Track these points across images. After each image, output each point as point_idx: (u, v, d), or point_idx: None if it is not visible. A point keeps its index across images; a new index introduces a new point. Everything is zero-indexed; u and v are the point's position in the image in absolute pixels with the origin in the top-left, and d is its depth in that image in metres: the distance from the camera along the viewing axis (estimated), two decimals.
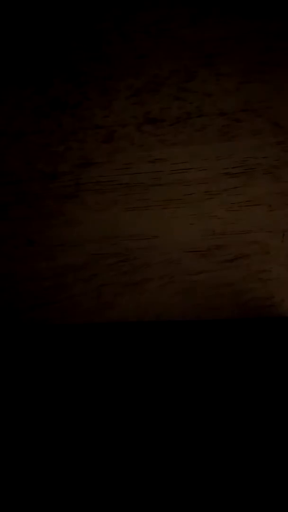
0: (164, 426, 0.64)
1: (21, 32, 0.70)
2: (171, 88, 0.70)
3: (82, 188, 0.73)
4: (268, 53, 0.68)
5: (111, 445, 0.63)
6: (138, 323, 0.75)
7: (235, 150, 0.71)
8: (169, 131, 0.71)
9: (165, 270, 0.74)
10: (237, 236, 0.73)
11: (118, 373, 0.70)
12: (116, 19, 0.69)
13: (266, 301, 0.74)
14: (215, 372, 0.69)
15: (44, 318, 0.77)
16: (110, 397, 0.68)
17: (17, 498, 0.60)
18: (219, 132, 0.70)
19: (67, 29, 0.70)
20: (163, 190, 0.72)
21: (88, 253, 0.75)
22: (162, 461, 0.61)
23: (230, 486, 0.59)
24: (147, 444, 0.63)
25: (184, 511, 0.58)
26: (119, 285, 0.75)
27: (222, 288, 0.74)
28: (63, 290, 0.76)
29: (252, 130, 0.70)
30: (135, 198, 0.73)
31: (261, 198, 0.72)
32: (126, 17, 0.69)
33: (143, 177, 0.72)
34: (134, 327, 0.74)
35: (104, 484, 0.60)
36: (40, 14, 0.70)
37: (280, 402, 0.65)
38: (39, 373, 0.71)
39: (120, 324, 0.75)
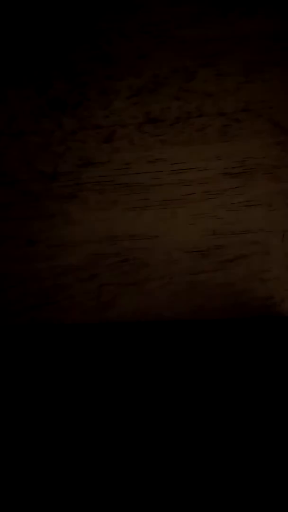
0: (165, 425, 0.64)
1: (21, 32, 0.70)
2: (171, 88, 0.70)
3: (82, 188, 0.73)
4: (268, 53, 0.68)
5: (111, 445, 0.63)
6: (138, 323, 0.75)
7: (235, 150, 0.71)
8: (169, 131, 0.71)
9: (165, 270, 0.74)
10: (237, 236, 0.73)
11: (118, 373, 0.70)
12: (116, 19, 0.69)
13: (266, 301, 0.74)
14: (215, 372, 0.69)
15: (44, 318, 0.77)
16: (110, 397, 0.68)
17: (17, 498, 0.60)
18: (219, 132, 0.70)
19: (67, 28, 0.70)
20: (163, 190, 0.72)
21: (88, 253, 0.75)
22: (162, 461, 0.61)
23: (230, 485, 0.59)
24: (147, 443, 0.63)
25: (184, 511, 0.58)
26: (119, 285, 0.75)
27: (222, 288, 0.74)
28: (63, 290, 0.76)
29: (252, 130, 0.70)
30: (135, 198, 0.73)
31: (261, 198, 0.72)
32: (126, 17, 0.69)
33: (143, 177, 0.72)
34: (134, 327, 0.74)
35: (104, 484, 0.60)
36: (40, 14, 0.70)
37: (280, 402, 0.65)
38: (39, 373, 0.71)
39: (120, 324, 0.75)
